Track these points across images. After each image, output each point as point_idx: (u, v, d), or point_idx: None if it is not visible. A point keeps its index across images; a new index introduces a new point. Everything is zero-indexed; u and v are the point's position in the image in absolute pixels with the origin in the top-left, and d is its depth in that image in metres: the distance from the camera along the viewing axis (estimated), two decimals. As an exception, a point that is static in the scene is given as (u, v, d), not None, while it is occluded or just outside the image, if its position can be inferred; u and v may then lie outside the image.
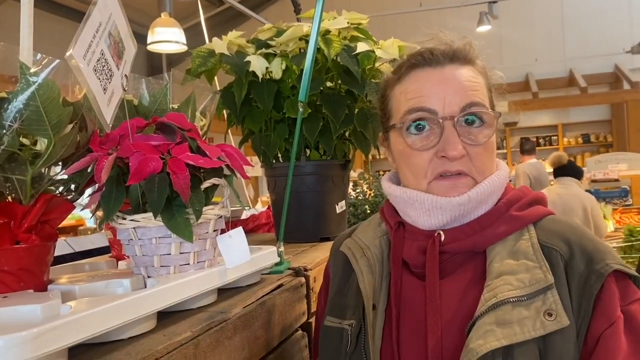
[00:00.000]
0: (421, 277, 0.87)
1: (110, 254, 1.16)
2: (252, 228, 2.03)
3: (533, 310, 0.75)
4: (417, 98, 0.85)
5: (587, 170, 6.56)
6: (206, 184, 0.88)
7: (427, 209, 0.85)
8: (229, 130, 1.74)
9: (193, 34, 5.08)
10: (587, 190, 5.75)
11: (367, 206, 3.20)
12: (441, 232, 0.85)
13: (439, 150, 0.84)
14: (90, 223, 5.74)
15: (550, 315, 0.74)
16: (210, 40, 1.60)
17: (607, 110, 10.08)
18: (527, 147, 6.72)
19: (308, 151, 1.59)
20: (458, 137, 0.83)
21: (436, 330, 0.81)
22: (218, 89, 1.64)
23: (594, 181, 6.17)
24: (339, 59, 1.42)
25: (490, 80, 0.92)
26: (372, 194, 3.14)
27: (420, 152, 0.85)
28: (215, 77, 1.66)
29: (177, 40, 4.47)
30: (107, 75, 0.75)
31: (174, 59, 9.14)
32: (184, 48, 4.55)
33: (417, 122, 0.85)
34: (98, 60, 0.73)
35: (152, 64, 9.79)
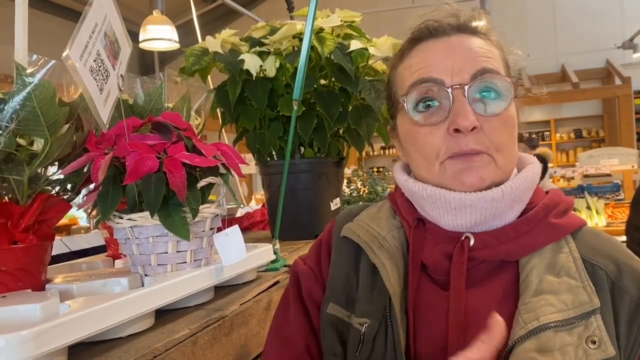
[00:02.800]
0: (442, 284, 0.76)
1: (106, 253, 1.17)
2: (247, 226, 2.04)
3: (575, 336, 0.66)
4: (422, 69, 0.75)
5: (579, 165, 6.60)
6: (202, 183, 0.88)
7: (454, 207, 0.73)
8: (222, 129, 1.74)
9: (185, 32, 5.07)
10: (579, 185, 5.79)
11: (361, 203, 3.22)
12: (470, 236, 0.74)
13: (450, 123, 0.72)
14: (84, 222, 5.73)
15: (593, 342, 0.66)
16: (202, 38, 1.61)
17: (599, 106, 10.14)
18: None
19: (302, 149, 1.60)
20: (470, 106, 0.72)
21: (459, 348, 0.67)
22: (211, 87, 1.64)
23: (586, 176, 6.20)
24: (332, 57, 1.43)
25: (507, 55, 0.81)
26: (367, 191, 3.16)
27: (430, 129, 0.74)
28: (209, 76, 1.67)
29: (170, 37, 4.45)
30: (103, 75, 0.76)
31: (166, 57, 9.10)
32: (177, 46, 4.54)
33: (426, 100, 0.74)
34: (94, 60, 0.73)
35: (145, 62, 9.75)
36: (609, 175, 6.12)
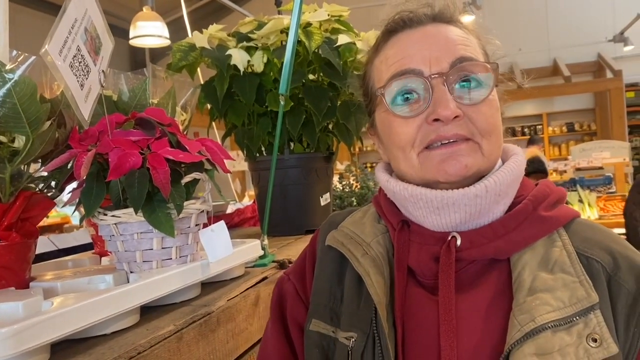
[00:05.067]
0: (431, 289, 0.72)
1: (93, 251, 1.16)
2: (237, 222, 2.04)
3: (575, 335, 0.63)
4: (399, 61, 0.73)
5: (571, 158, 6.63)
6: (187, 179, 0.88)
7: (436, 207, 0.70)
8: (214, 125, 1.73)
9: (176, 28, 5.04)
10: (571, 179, 5.82)
11: (353, 198, 3.22)
12: (456, 235, 0.71)
13: (429, 114, 0.70)
14: (76, 221, 5.70)
15: (595, 340, 0.62)
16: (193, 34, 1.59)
17: (590, 99, 10.17)
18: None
19: (291, 144, 1.60)
20: (450, 95, 0.69)
21: (452, 357, 0.66)
22: (202, 82, 1.64)
23: (578, 169, 6.23)
24: (320, 52, 1.42)
25: (484, 44, 0.78)
26: (359, 186, 3.16)
27: (406, 120, 0.71)
28: (199, 71, 1.65)
29: (160, 34, 4.43)
30: (84, 71, 0.75)
31: (157, 53, 9.06)
32: (167, 42, 4.51)
33: (404, 93, 0.72)
34: (74, 56, 0.72)
35: (135, 59, 9.70)
36: (601, 168, 6.14)
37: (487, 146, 0.71)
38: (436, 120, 0.69)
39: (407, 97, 0.72)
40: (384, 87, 0.73)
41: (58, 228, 5.58)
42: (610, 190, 5.64)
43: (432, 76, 0.70)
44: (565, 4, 9.50)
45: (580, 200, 5.14)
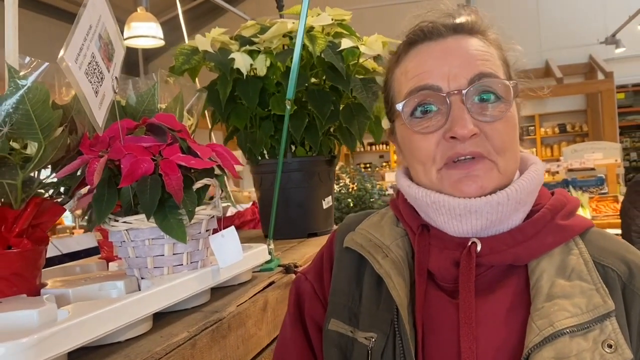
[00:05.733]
0: (450, 293, 0.74)
1: (99, 255, 1.16)
2: (237, 225, 2.04)
3: (591, 341, 0.65)
4: (418, 76, 0.74)
5: (563, 159, 6.67)
6: (198, 185, 0.88)
7: (458, 214, 0.71)
8: (212, 129, 1.73)
9: (170, 28, 5.02)
10: (564, 180, 5.86)
11: (350, 200, 3.23)
12: (477, 241, 0.72)
13: (446, 130, 0.71)
14: (69, 222, 5.66)
15: (610, 346, 0.64)
16: (188, 34, 1.59)
17: (582, 100, 10.24)
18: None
19: (294, 147, 1.60)
20: (468, 113, 0.70)
21: (472, 359, 0.67)
22: (198, 87, 1.63)
23: (570, 170, 6.27)
24: (323, 56, 1.42)
25: (506, 54, 0.79)
26: (355, 188, 3.17)
27: (425, 136, 0.72)
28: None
29: (154, 35, 4.41)
30: (98, 78, 0.75)
31: (150, 54, 9.03)
32: (161, 43, 4.50)
33: (424, 106, 0.73)
34: (89, 63, 0.72)
35: (129, 60, 9.65)
36: (592, 169, 6.18)
37: (502, 163, 0.72)
38: (453, 137, 0.70)
39: (427, 110, 0.73)
40: (403, 101, 0.75)
41: (51, 229, 5.53)
42: (603, 191, 5.68)
43: (451, 93, 0.71)
44: (557, 6, 9.57)
45: (581, 205, 5.17)
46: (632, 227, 2.90)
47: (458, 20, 0.76)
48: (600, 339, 0.65)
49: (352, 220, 0.90)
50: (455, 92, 0.70)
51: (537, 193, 0.76)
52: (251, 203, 2.69)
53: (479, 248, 0.72)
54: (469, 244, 0.72)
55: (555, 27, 9.58)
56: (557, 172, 6.50)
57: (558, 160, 7.33)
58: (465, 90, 0.70)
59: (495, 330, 0.69)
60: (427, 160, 0.73)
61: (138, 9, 4.51)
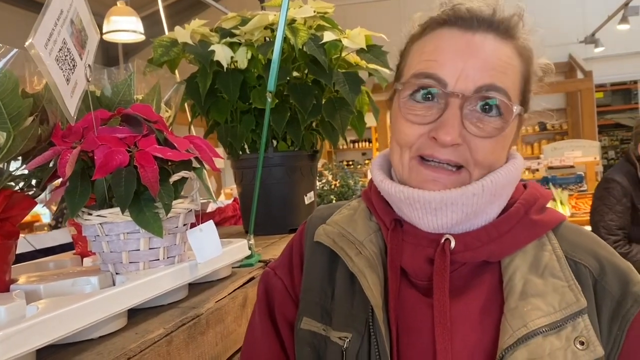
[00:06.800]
0: (424, 290, 0.72)
1: (74, 251, 1.12)
2: (218, 221, 2.01)
3: (564, 339, 0.64)
4: (430, 62, 0.69)
5: (544, 157, 6.73)
6: (175, 177, 0.85)
7: (434, 208, 0.69)
8: (192, 122, 1.70)
9: (150, 23, 4.94)
10: (544, 177, 5.91)
11: (332, 196, 3.21)
12: (450, 238, 0.70)
13: (431, 129, 0.68)
14: (46, 219, 5.57)
15: (582, 343, 0.64)
16: (169, 29, 1.56)
17: (562, 99, 10.35)
18: None
19: (275, 142, 1.58)
20: (460, 120, 0.67)
21: (447, 359, 0.66)
22: (178, 79, 1.60)
23: (550, 168, 6.33)
24: (305, 49, 1.40)
25: (531, 67, 0.74)
26: (338, 184, 3.16)
27: (412, 124, 0.70)
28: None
29: (135, 29, 4.34)
30: (70, 65, 0.72)
31: (130, 49, 8.89)
32: (142, 37, 4.43)
33: (427, 90, 0.69)
34: (60, 49, 0.69)
35: (109, 54, 9.51)
36: (572, 167, 6.25)
37: (477, 173, 0.70)
38: (434, 138, 0.68)
39: (429, 96, 0.69)
40: (407, 81, 0.71)
41: (28, 227, 5.43)
42: (582, 189, 5.75)
43: (453, 93, 0.67)
44: (537, 5, 9.65)
45: (553, 198, 5.22)
46: (600, 224, 2.93)
47: (497, 17, 0.71)
48: (572, 336, 0.64)
49: (322, 212, 0.86)
50: (458, 94, 0.67)
51: (513, 187, 0.74)
52: (232, 199, 2.66)
53: (452, 245, 0.70)
54: (443, 240, 0.70)
55: (535, 25, 9.67)
56: (538, 170, 6.56)
57: (538, 158, 7.40)
58: (467, 97, 0.67)
59: (470, 329, 0.68)
60: (405, 145, 0.71)
61: (118, 3, 4.43)
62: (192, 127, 1.82)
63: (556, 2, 9.60)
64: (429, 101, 0.69)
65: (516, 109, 0.70)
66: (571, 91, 9.65)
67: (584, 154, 6.42)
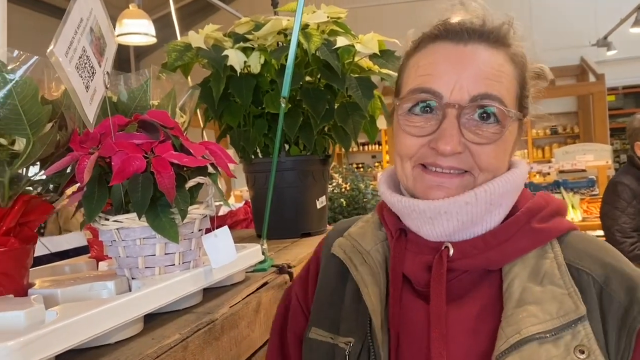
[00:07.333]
0: (425, 297, 0.73)
1: (89, 255, 1.13)
2: (230, 224, 2.02)
3: (562, 348, 0.63)
4: (425, 76, 0.72)
5: (555, 161, 6.69)
6: (191, 183, 0.86)
7: (429, 217, 0.71)
8: (204, 127, 1.71)
9: (161, 26, 4.98)
10: (555, 181, 5.88)
11: (342, 200, 3.21)
12: (449, 246, 0.72)
13: (431, 140, 0.71)
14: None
15: (582, 352, 0.63)
16: (180, 32, 1.57)
17: (573, 102, 10.29)
18: None
19: (287, 146, 1.58)
20: (458, 129, 0.69)
21: None
22: (190, 84, 1.61)
23: (562, 172, 6.29)
24: (319, 54, 1.41)
25: (525, 73, 0.76)
26: (349, 187, 3.15)
27: (412, 137, 0.72)
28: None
29: (146, 32, 4.37)
30: (89, 72, 0.73)
31: (141, 51, 8.96)
32: (153, 40, 4.46)
33: (426, 103, 0.71)
34: (80, 57, 0.70)
35: (120, 57, 9.58)
36: (584, 170, 6.21)
37: (482, 178, 0.72)
38: (434, 149, 0.70)
39: (427, 109, 0.72)
40: (405, 97, 0.74)
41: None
42: (594, 193, 5.71)
43: (449, 104, 0.69)
44: (548, 8, 9.61)
45: (565, 204, 5.18)
46: (614, 227, 2.92)
47: (487, 27, 0.73)
48: (572, 344, 0.64)
49: (341, 226, 0.90)
50: (454, 104, 0.69)
51: (514, 195, 0.75)
52: (244, 202, 2.67)
53: (451, 252, 0.71)
54: (442, 248, 0.72)
55: (547, 29, 9.63)
56: (549, 174, 6.53)
57: (549, 161, 7.35)
58: (464, 107, 0.69)
59: (466, 335, 0.69)
60: (406, 156, 0.74)
61: (130, 6, 4.46)
62: (204, 131, 1.83)
63: (568, 5, 9.55)
64: (428, 113, 0.72)
65: (513, 114, 0.72)
66: (583, 94, 9.59)
67: (595, 157, 6.36)
